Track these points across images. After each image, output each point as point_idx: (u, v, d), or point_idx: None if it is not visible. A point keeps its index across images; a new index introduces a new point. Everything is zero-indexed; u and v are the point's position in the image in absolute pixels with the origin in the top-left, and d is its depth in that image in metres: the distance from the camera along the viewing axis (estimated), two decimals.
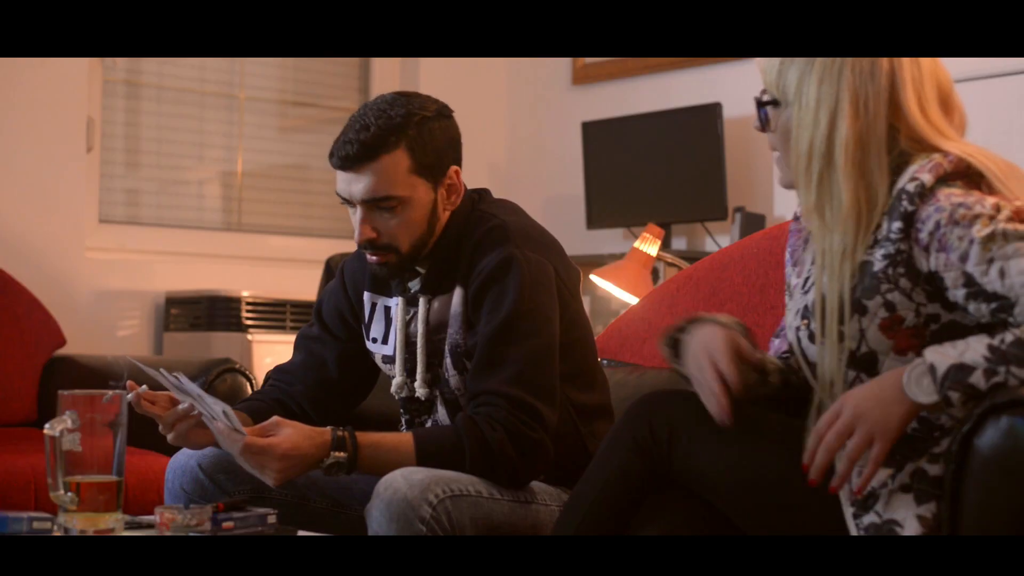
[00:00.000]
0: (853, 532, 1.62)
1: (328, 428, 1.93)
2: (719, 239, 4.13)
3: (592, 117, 4.44)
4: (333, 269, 3.71)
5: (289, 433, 1.89)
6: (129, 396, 1.91)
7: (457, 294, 2.06)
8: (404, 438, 1.97)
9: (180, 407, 1.97)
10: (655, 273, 3.80)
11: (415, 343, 2.11)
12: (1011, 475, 1.48)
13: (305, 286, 4.15)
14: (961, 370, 1.51)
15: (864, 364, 1.66)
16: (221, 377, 2.98)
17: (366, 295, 2.20)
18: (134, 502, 2.58)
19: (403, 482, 1.87)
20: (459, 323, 2.03)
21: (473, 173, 4.76)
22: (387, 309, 2.17)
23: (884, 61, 1.67)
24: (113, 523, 1.79)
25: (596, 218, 4.38)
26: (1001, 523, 1.49)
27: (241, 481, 2.11)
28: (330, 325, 2.24)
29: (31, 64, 3.77)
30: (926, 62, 1.70)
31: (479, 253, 2.04)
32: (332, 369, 2.22)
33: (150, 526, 1.87)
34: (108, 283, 3.97)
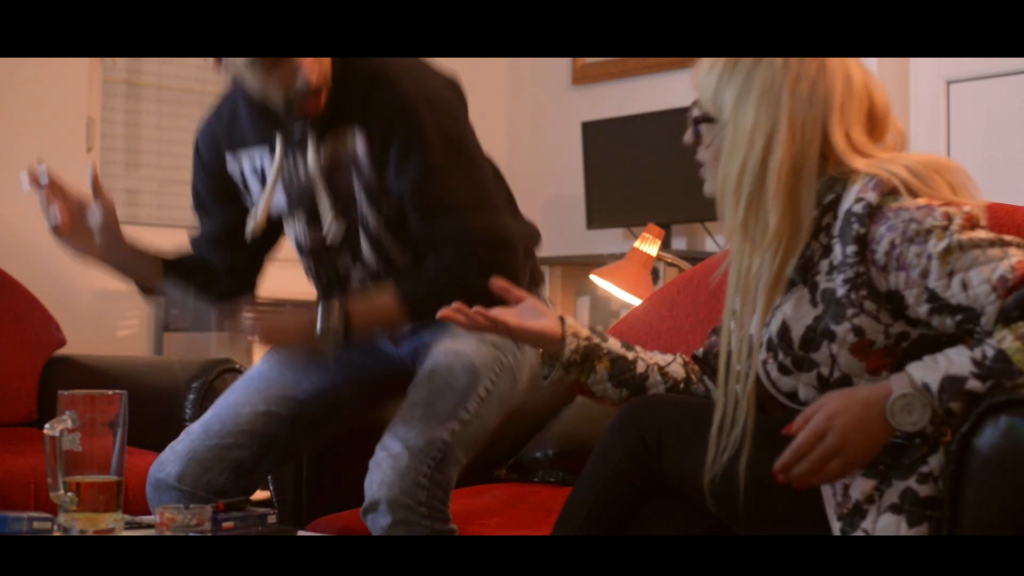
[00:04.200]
0: None
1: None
2: (719, 239, 4.13)
3: (592, 117, 4.44)
4: None
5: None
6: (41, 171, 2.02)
7: (357, 135, 2.05)
8: (389, 296, 2.03)
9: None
10: (655, 273, 3.80)
11: (310, 185, 2.10)
12: (1010, 475, 1.48)
13: (305, 286, 4.15)
14: (954, 381, 1.51)
15: (838, 388, 1.64)
16: (221, 377, 2.98)
17: (228, 159, 2.19)
18: (134, 502, 2.58)
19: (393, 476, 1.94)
20: (368, 164, 2.03)
21: None
22: (256, 165, 2.16)
23: (821, 87, 1.65)
24: (113, 523, 1.79)
25: (596, 218, 4.38)
26: (1000, 523, 1.49)
27: (222, 493, 2.12)
28: (210, 209, 2.26)
29: (31, 64, 3.77)
30: (858, 85, 1.69)
31: (373, 91, 2.03)
32: (232, 245, 2.27)
33: (150, 526, 1.87)
34: (108, 283, 3.97)
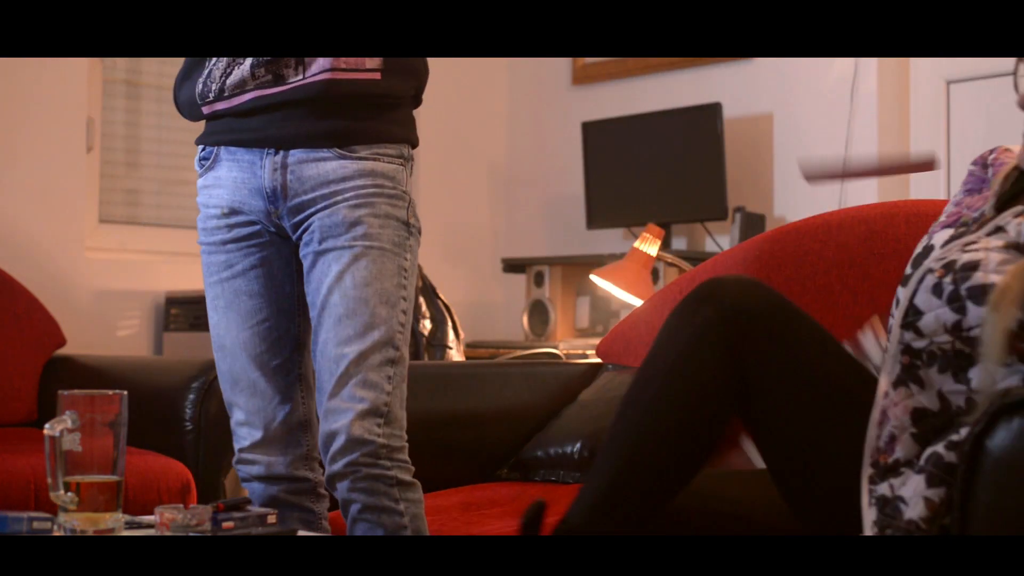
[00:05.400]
0: (864, 497, 1.63)
1: None
2: (719, 239, 4.13)
3: (592, 117, 4.44)
4: None
5: None
6: None
7: None
8: None
9: None
10: (655, 273, 3.80)
11: None
12: (1022, 477, 1.48)
13: None
14: None
15: (967, 343, 1.61)
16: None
17: None
18: (134, 502, 2.58)
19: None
20: None
21: (473, 173, 4.75)
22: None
23: None
24: (113, 523, 1.79)
25: (596, 218, 4.38)
26: (1011, 524, 1.49)
27: (308, 458, 2.16)
28: None
29: (31, 64, 3.77)
30: None
31: None
32: None
33: (150, 526, 1.87)
34: (108, 283, 3.97)
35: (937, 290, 1.64)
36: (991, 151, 1.87)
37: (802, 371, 1.67)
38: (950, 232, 1.76)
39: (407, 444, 2.05)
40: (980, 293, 1.60)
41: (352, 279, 2.01)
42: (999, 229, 1.68)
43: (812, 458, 1.67)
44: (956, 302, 1.62)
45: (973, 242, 1.68)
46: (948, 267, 1.65)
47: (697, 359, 1.66)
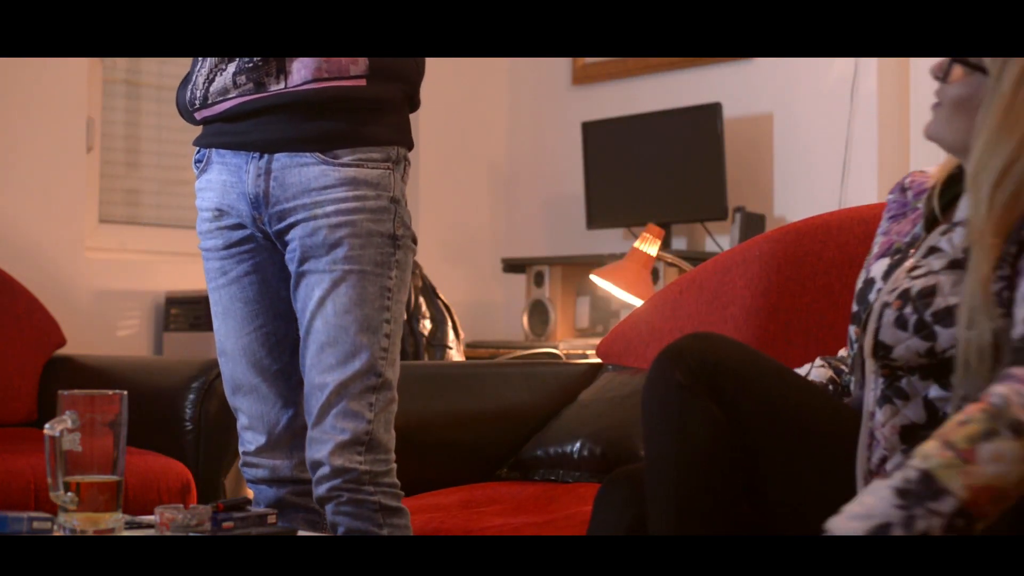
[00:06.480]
0: None
1: None
2: (719, 239, 4.13)
3: (592, 117, 4.44)
4: None
5: None
6: None
7: None
8: None
9: None
10: (655, 273, 3.80)
11: None
12: None
13: None
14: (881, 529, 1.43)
15: (945, 364, 1.61)
16: (221, 377, 2.98)
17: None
18: (134, 502, 2.58)
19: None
20: None
21: (473, 173, 4.76)
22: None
23: None
24: (113, 523, 1.79)
25: (596, 218, 4.38)
26: (1004, 523, 1.49)
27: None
28: None
29: (31, 64, 3.77)
30: None
31: None
32: None
33: (150, 526, 1.87)
34: (108, 283, 3.97)
35: (900, 322, 1.63)
36: (907, 176, 1.88)
37: (777, 407, 1.65)
38: (887, 261, 1.74)
39: (394, 466, 2.04)
40: (946, 315, 1.59)
41: (333, 306, 2.00)
42: (933, 249, 1.67)
43: (803, 492, 1.65)
44: (924, 330, 1.61)
45: (917, 267, 1.67)
46: (904, 297, 1.64)
47: (694, 424, 1.62)
